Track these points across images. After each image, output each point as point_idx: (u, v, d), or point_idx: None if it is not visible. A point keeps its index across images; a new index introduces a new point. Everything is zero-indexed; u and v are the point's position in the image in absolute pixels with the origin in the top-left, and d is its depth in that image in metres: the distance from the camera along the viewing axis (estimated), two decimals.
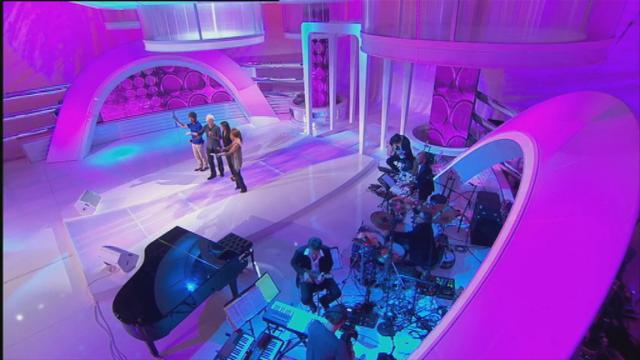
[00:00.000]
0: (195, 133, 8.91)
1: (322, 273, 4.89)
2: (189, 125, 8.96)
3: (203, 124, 8.82)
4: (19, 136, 10.30)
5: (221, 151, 8.17)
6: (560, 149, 4.83)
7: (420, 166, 7.24)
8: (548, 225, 4.10)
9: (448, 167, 7.57)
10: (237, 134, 7.84)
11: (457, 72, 8.50)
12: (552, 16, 5.28)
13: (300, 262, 4.97)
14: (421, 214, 5.56)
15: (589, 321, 3.29)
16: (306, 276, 4.89)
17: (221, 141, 8.50)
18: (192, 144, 9.29)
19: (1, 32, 6.25)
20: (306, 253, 4.92)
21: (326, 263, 5.00)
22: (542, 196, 4.38)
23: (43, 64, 10.90)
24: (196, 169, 9.63)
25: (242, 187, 8.42)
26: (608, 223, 3.75)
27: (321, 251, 4.91)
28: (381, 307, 5.26)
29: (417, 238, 5.60)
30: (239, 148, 7.83)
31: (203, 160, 9.54)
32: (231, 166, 8.44)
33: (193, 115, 8.92)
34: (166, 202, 8.17)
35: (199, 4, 7.86)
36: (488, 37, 5.54)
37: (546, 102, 6.32)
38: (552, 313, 3.45)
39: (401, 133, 9.73)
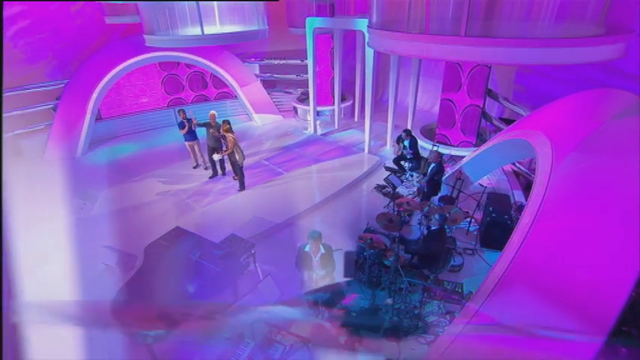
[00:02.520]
0: (183, 130, 8.77)
1: (324, 271, 4.82)
2: (179, 123, 8.83)
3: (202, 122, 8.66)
4: (16, 132, 10.18)
5: (222, 153, 8.02)
6: (575, 149, 4.65)
7: (432, 165, 7.02)
8: (564, 228, 3.94)
9: (457, 167, 7.39)
10: (229, 129, 7.68)
11: (466, 75, 8.29)
12: (568, 9, 5.07)
13: (302, 259, 4.93)
14: (436, 216, 5.37)
15: (608, 329, 3.13)
16: (306, 275, 4.81)
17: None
18: (186, 142, 9.14)
19: (1, 32, 6.13)
20: (307, 249, 4.91)
21: (328, 261, 4.95)
22: (557, 198, 4.21)
23: (44, 59, 10.78)
24: (194, 167, 9.48)
25: (241, 184, 8.25)
26: (628, 227, 3.58)
27: (322, 247, 4.89)
28: (387, 311, 5.10)
29: (430, 247, 5.42)
30: (236, 142, 7.66)
31: (200, 158, 9.39)
32: (233, 163, 8.21)
33: (183, 112, 8.78)
34: (167, 202, 8.02)
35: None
36: (501, 32, 5.34)
37: (561, 100, 6.14)
38: (569, 320, 3.29)
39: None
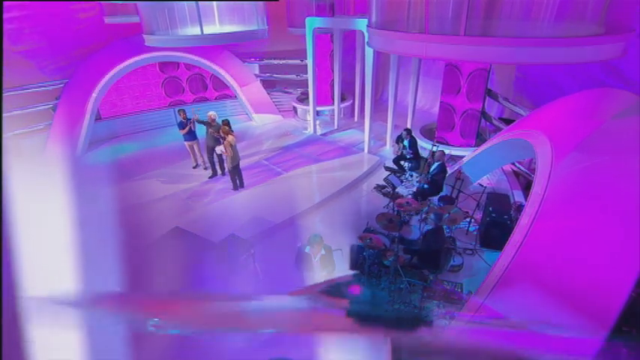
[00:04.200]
0: (183, 130, 8.74)
1: (324, 272, 4.80)
2: (179, 123, 8.80)
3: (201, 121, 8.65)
4: (16, 132, 10.16)
5: (219, 151, 7.99)
6: (575, 149, 4.63)
7: (436, 164, 6.98)
8: (563, 228, 3.92)
9: (457, 167, 7.38)
10: (228, 132, 7.65)
11: (465, 79, 8.27)
12: (568, 8, 5.05)
13: (302, 260, 4.92)
14: (431, 216, 5.36)
15: (608, 328, 3.12)
16: (306, 276, 4.82)
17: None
18: (185, 142, 9.12)
19: (1, 32, 6.13)
20: (307, 250, 4.91)
21: (328, 262, 4.93)
22: (557, 197, 4.19)
23: (44, 59, 10.77)
24: (194, 167, 9.47)
25: (233, 184, 8.24)
26: (628, 227, 3.56)
27: (322, 249, 4.88)
28: (386, 312, 5.08)
29: (427, 246, 5.39)
30: (231, 145, 7.67)
31: (199, 158, 9.37)
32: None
33: (183, 112, 8.75)
34: (167, 202, 8.01)
35: None
36: (501, 31, 5.32)
37: (561, 99, 6.13)
38: (569, 319, 3.27)
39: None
